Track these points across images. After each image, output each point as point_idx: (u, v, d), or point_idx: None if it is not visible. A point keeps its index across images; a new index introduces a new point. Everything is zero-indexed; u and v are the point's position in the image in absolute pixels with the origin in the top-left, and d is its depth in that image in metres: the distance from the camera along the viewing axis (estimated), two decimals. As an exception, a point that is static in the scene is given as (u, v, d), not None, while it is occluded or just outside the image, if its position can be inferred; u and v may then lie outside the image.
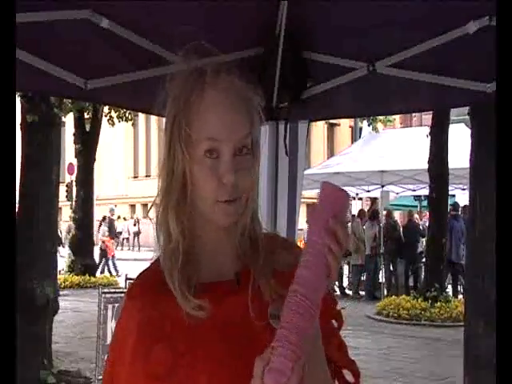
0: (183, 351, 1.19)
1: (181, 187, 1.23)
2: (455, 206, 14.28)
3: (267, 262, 1.27)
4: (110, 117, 15.99)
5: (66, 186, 21.86)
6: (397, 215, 21.60)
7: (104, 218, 20.85)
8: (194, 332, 1.20)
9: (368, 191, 18.77)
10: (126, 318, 1.28)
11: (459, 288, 14.06)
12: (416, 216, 16.86)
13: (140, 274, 1.32)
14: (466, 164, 5.54)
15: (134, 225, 29.75)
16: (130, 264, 16.24)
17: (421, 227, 16.26)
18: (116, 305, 5.53)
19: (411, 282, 14.81)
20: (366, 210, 18.24)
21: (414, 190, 17.99)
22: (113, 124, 16.35)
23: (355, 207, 19.12)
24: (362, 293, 15.30)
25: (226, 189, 1.20)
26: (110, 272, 18.57)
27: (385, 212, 16.32)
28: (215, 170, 1.20)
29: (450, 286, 13.79)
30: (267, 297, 1.23)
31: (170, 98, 1.26)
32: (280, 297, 1.18)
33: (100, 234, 19.86)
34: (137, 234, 29.85)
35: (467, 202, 6.20)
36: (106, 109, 15.39)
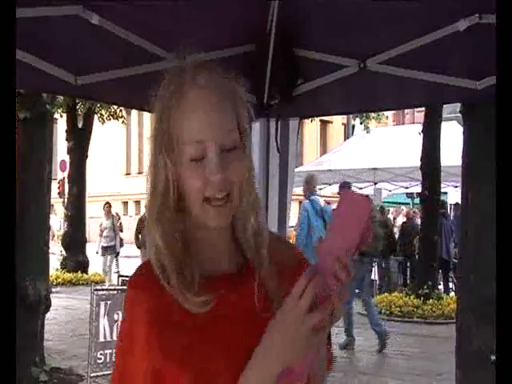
0: (196, 338, 1.20)
1: (163, 194, 1.21)
2: (443, 204, 14.30)
3: (270, 257, 1.28)
4: (101, 114, 15.95)
5: (58, 182, 21.80)
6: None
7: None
8: (204, 322, 1.21)
9: (360, 188, 18.79)
10: (131, 309, 1.25)
11: (450, 285, 14.12)
12: (416, 212, 16.87)
13: (141, 266, 1.30)
14: (459, 161, 5.55)
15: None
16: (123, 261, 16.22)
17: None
18: (108, 302, 5.52)
19: (408, 280, 14.89)
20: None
21: (407, 188, 18.03)
22: (103, 122, 16.30)
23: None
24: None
25: (214, 185, 1.18)
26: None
27: (378, 209, 16.32)
28: (201, 171, 1.19)
29: (440, 283, 13.82)
30: (271, 292, 1.24)
31: (154, 102, 1.24)
32: (283, 291, 1.17)
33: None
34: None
35: (459, 200, 6.20)
36: (97, 106, 15.34)
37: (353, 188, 18.89)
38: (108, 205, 15.22)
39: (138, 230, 13.62)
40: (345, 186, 10.98)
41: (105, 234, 14.68)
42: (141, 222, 13.90)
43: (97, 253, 15.15)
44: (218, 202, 1.20)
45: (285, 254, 1.32)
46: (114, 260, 14.98)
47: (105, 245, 14.66)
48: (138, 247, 13.58)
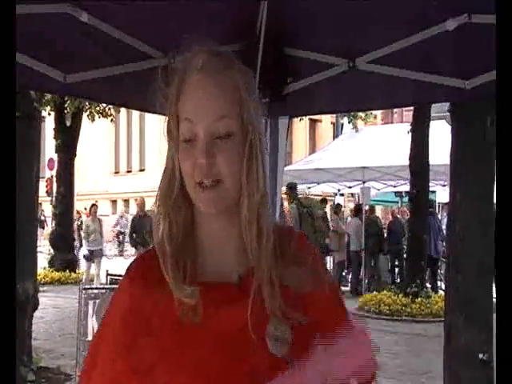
0: (168, 349, 1.16)
1: (169, 178, 1.22)
2: (432, 202, 14.37)
3: (276, 265, 1.20)
4: (91, 112, 15.88)
5: (46, 181, 21.67)
6: (378, 211, 21.72)
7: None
8: (184, 332, 1.16)
9: (350, 187, 18.85)
10: (118, 299, 1.25)
11: (439, 283, 14.18)
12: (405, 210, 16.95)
13: (142, 256, 1.30)
14: (447, 160, 5.57)
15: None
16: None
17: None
18: (97, 301, 5.49)
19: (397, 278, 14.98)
20: (353, 206, 18.25)
21: (395, 186, 18.08)
22: (92, 120, 16.23)
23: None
24: (344, 288, 15.35)
25: (201, 169, 1.16)
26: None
27: (367, 207, 16.37)
28: (192, 153, 1.18)
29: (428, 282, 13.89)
30: (268, 310, 1.16)
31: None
32: (281, 313, 1.13)
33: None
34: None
35: (447, 199, 6.23)
36: (86, 104, 15.26)
37: (342, 187, 19.04)
38: (95, 206, 14.85)
39: (133, 230, 13.46)
40: (292, 186, 10.89)
41: (92, 237, 14.28)
42: (134, 220, 13.76)
43: (84, 256, 14.78)
44: (207, 186, 1.17)
45: (290, 269, 1.20)
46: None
47: (92, 249, 14.29)
48: (134, 246, 13.42)
